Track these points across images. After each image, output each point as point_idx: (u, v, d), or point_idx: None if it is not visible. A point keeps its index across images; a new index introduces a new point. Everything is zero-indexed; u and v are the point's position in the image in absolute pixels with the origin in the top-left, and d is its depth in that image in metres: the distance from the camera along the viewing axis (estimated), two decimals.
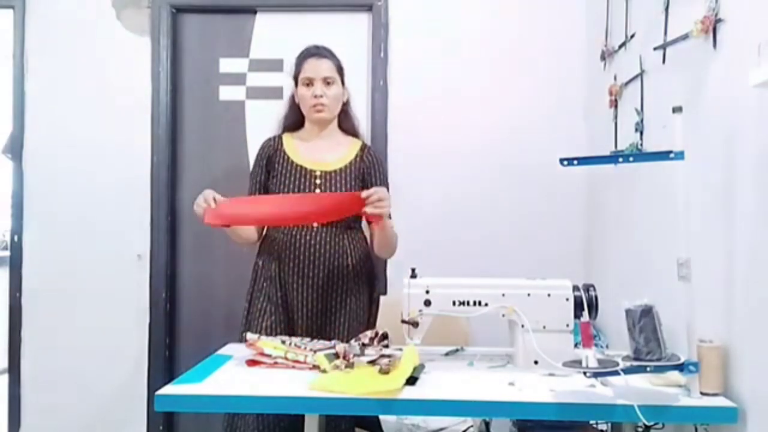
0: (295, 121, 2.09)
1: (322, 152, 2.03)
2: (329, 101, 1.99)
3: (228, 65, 2.89)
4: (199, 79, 2.90)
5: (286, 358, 1.64)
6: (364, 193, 1.80)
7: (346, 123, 2.10)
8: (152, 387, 2.71)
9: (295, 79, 2.04)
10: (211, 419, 1.93)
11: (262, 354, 1.65)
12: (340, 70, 2.03)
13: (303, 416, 1.54)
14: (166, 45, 2.83)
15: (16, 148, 2.86)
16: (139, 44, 2.84)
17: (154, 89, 2.82)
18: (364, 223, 2.06)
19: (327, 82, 1.99)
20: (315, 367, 1.61)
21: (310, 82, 1.98)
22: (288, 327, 1.93)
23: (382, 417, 1.88)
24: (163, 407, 1.43)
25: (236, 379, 1.54)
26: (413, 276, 1.72)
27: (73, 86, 2.85)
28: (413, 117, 2.77)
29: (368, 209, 1.78)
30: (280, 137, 2.09)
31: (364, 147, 2.09)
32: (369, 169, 2.04)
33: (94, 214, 2.83)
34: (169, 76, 2.83)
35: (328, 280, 1.94)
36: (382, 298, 2.13)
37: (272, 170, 2.03)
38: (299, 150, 2.04)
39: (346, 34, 2.83)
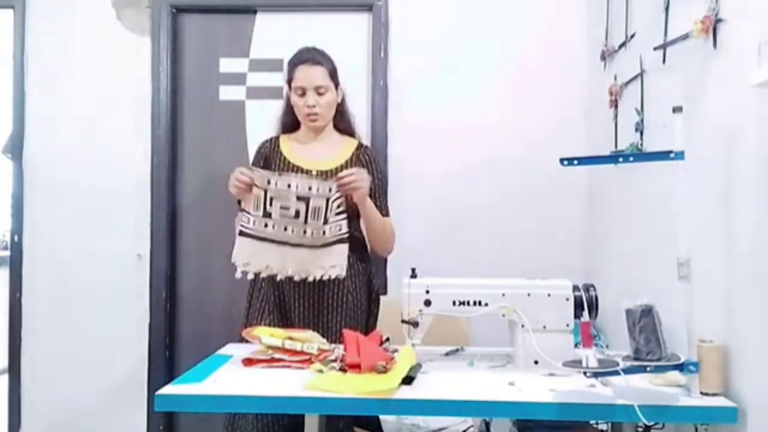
0: (291, 122, 2.09)
1: (318, 152, 2.04)
2: (322, 110, 2.00)
3: (228, 65, 2.89)
4: (199, 79, 2.90)
5: (283, 348, 1.64)
6: (339, 176, 1.86)
7: (341, 123, 2.11)
8: (152, 387, 2.71)
9: (288, 83, 2.04)
10: (211, 419, 1.93)
11: (260, 342, 1.66)
12: (333, 74, 2.02)
13: (302, 416, 1.54)
14: (166, 45, 2.83)
15: (16, 148, 2.86)
16: (139, 44, 2.84)
17: (154, 89, 2.82)
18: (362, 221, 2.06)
19: (319, 92, 1.98)
20: (309, 360, 1.62)
21: (302, 92, 1.98)
22: (285, 327, 1.93)
23: (382, 417, 1.88)
24: (163, 407, 1.43)
25: (236, 379, 1.54)
26: (413, 276, 1.72)
27: (73, 86, 2.85)
28: (413, 117, 2.77)
29: (342, 189, 1.85)
30: (276, 139, 2.10)
31: (360, 146, 2.09)
32: (366, 169, 2.02)
33: (94, 214, 2.83)
34: (169, 76, 2.83)
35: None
36: (382, 298, 2.13)
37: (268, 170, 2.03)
38: (295, 151, 2.05)
39: (346, 34, 2.83)
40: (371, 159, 2.07)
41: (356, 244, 2.01)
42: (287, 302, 1.96)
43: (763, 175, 1.34)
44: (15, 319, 2.84)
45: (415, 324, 1.68)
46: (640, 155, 1.89)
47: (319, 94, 1.98)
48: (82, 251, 2.83)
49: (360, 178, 1.86)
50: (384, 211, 2.05)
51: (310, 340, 1.69)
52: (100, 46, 2.85)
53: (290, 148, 2.06)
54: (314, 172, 1.99)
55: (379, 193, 2.05)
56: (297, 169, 2.00)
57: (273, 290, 1.96)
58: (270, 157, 2.05)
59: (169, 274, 2.84)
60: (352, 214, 1.97)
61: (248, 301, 2.04)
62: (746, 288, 1.40)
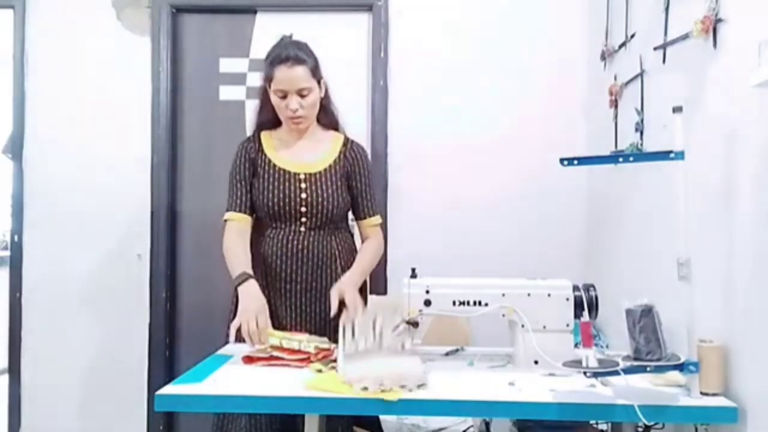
0: (271, 119, 1.98)
1: (304, 153, 1.97)
2: (306, 112, 1.89)
3: (228, 65, 2.89)
4: (199, 79, 2.90)
5: (281, 347, 1.65)
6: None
7: (325, 118, 2.02)
8: (152, 387, 2.71)
9: (267, 81, 1.90)
10: (210, 419, 1.92)
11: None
12: (315, 71, 1.88)
13: (296, 419, 1.54)
14: (166, 45, 2.83)
15: (16, 148, 2.86)
16: (139, 44, 2.84)
17: (154, 89, 2.83)
18: (351, 223, 2.05)
19: (302, 94, 1.86)
20: (308, 359, 1.62)
21: (284, 95, 1.86)
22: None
23: (382, 417, 1.88)
24: (163, 407, 1.43)
25: (236, 378, 1.54)
26: (413, 276, 1.72)
27: (73, 86, 2.85)
28: (413, 117, 2.77)
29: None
30: (258, 138, 2.00)
31: (346, 142, 2.02)
32: (353, 167, 1.98)
33: (94, 214, 2.83)
34: (169, 76, 2.83)
35: (317, 283, 1.92)
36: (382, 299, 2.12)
37: (255, 173, 1.96)
38: (280, 152, 1.97)
39: (346, 34, 2.83)
40: (358, 155, 2.01)
41: (347, 248, 1.99)
42: (278, 306, 1.92)
43: (763, 175, 1.34)
44: (15, 319, 2.84)
45: (415, 324, 1.68)
46: (640, 155, 1.89)
47: (302, 96, 1.86)
48: (82, 251, 2.83)
49: (355, 311, 1.73)
50: (373, 209, 2.00)
51: (307, 340, 1.69)
52: (100, 46, 2.85)
53: (274, 149, 1.97)
54: (302, 175, 1.93)
55: (366, 191, 2.00)
56: (285, 174, 1.93)
57: (263, 293, 1.85)
58: (256, 160, 1.96)
59: (169, 274, 2.84)
60: (338, 217, 1.94)
61: (234, 304, 1.92)
62: (746, 288, 1.40)
